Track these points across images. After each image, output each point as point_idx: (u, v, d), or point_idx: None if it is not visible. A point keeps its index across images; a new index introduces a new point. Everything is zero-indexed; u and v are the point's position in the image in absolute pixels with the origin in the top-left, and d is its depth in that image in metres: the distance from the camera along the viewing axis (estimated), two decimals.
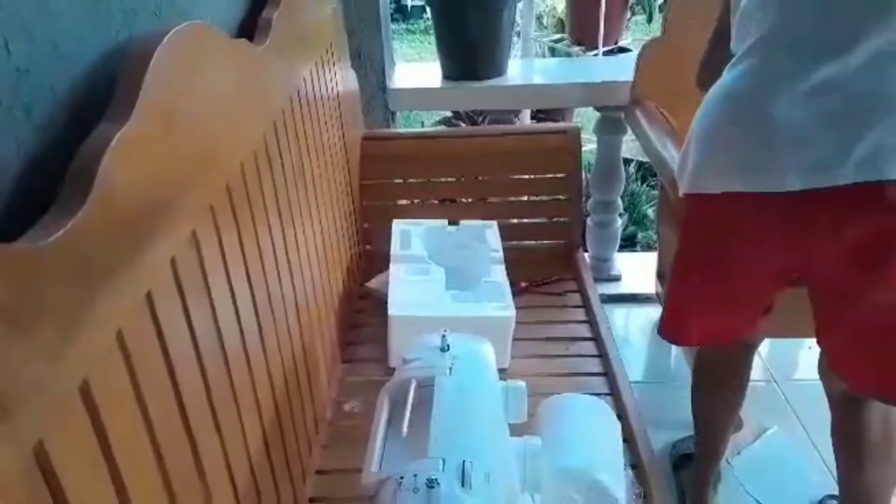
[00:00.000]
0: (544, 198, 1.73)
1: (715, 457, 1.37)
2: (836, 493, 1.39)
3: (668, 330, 1.23)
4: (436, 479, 0.65)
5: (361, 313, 1.48)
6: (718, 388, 1.31)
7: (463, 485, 0.66)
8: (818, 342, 1.09)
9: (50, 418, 0.43)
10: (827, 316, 1.05)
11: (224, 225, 0.76)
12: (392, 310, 1.25)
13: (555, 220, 1.72)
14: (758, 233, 1.03)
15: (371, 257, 1.63)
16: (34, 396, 0.42)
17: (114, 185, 0.52)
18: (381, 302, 1.34)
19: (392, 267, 1.37)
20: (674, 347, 1.94)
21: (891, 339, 0.98)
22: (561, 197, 1.69)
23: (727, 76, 1.05)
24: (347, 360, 1.35)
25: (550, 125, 1.82)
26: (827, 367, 1.12)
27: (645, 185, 2.89)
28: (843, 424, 1.17)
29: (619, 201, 2.15)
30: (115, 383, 0.51)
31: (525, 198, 1.74)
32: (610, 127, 2.01)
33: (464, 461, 0.68)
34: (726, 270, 1.08)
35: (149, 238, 0.58)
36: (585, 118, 2.48)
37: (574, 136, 1.65)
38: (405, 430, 0.73)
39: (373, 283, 1.53)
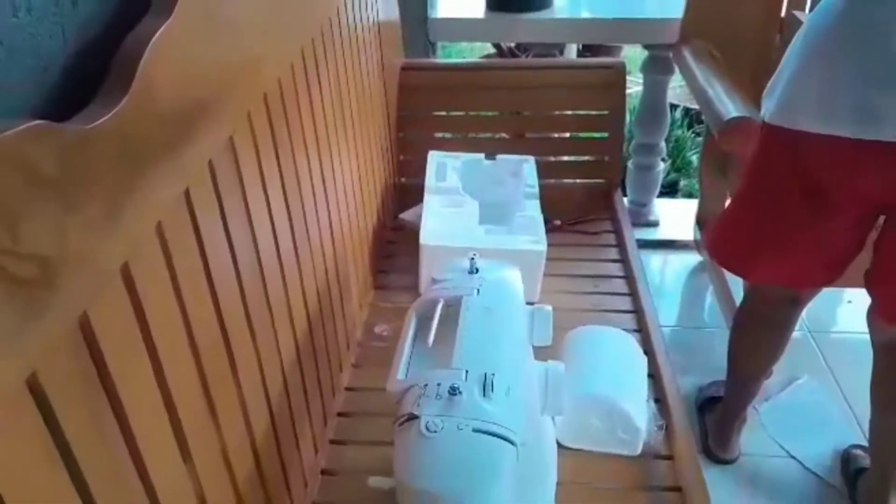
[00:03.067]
0: (585, 135, 1.70)
1: (744, 404, 1.36)
2: (862, 443, 1.39)
3: (724, 256, 1.22)
4: (458, 388, 0.67)
5: (395, 244, 1.50)
6: (761, 339, 1.28)
7: (484, 395, 0.68)
8: (871, 290, 1.08)
9: (94, 292, 0.45)
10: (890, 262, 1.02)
11: (261, 135, 0.77)
12: (424, 239, 1.26)
13: (595, 158, 1.69)
14: (857, 173, 0.97)
15: (406, 190, 1.64)
16: (79, 268, 0.44)
17: (154, 79, 0.53)
18: (414, 233, 1.35)
19: (426, 198, 1.38)
20: (709, 295, 1.93)
21: None
22: (603, 135, 1.66)
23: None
24: (380, 286, 1.38)
25: (595, 60, 1.77)
26: (877, 314, 1.11)
27: (690, 132, 2.82)
28: (886, 371, 1.16)
29: (663, 145, 2.11)
30: (153, 270, 0.53)
31: (566, 135, 1.72)
32: (657, 66, 1.96)
33: (486, 373, 0.70)
34: (818, 214, 1.03)
35: (188, 136, 0.59)
36: (631, 61, 2.41)
37: (620, 72, 1.60)
38: (430, 342, 0.75)
39: (407, 215, 1.54)
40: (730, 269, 1.28)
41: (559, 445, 0.97)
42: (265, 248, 0.78)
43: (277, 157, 0.83)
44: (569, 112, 1.69)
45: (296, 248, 0.89)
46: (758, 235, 1.12)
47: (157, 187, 0.54)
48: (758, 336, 1.28)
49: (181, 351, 0.58)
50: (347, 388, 1.13)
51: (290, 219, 0.87)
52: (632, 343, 1.10)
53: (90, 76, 0.53)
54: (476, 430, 0.64)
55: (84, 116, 0.48)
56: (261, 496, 0.76)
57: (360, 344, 1.23)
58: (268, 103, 0.80)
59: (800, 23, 1.00)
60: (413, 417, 0.66)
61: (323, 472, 0.98)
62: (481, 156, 1.51)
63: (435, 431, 0.64)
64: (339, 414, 1.08)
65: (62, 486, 0.43)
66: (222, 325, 0.66)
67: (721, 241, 1.21)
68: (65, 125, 0.45)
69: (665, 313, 1.91)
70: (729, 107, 1.36)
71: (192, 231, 0.60)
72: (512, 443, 0.65)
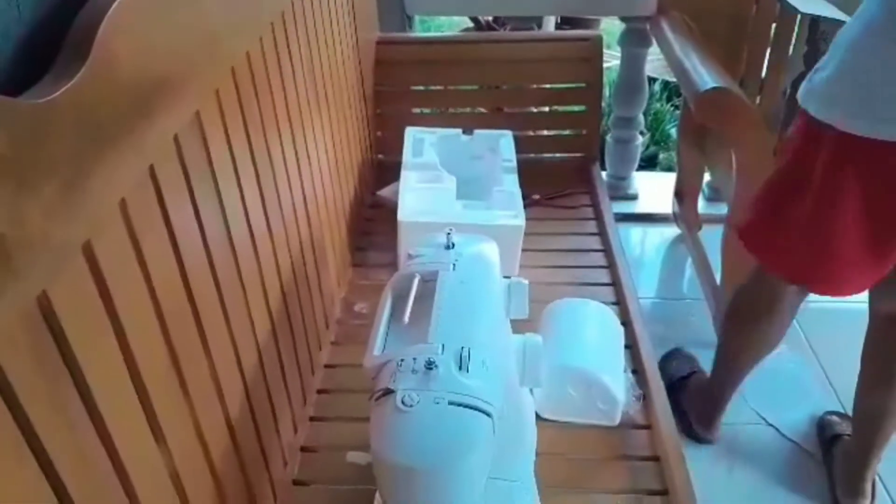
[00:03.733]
0: (563, 109, 1.69)
1: (734, 389, 1.32)
2: (838, 410, 1.42)
3: (767, 259, 1.12)
4: (434, 362, 0.67)
5: (373, 221, 1.49)
6: (762, 328, 1.20)
7: (461, 368, 0.68)
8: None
9: (53, 271, 0.44)
10: None
11: (229, 111, 0.76)
12: (401, 215, 1.25)
13: (573, 132, 1.69)
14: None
15: (385, 167, 1.63)
16: (37, 247, 0.43)
17: (114, 50, 0.52)
18: (392, 210, 1.34)
19: (403, 174, 1.37)
20: (688, 266, 1.94)
21: None
22: (580, 108, 1.65)
23: None
24: (358, 264, 1.37)
25: (572, 32, 1.76)
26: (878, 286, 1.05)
27: (669, 105, 2.82)
28: (882, 341, 1.15)
29: (641, 118, 2.11)
30: (117, 249, 0.52)
31: (544, 109, 1.71)
32: (634, 39, 1.95)
33: (462, 347, 0.70)
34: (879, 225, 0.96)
35: (150, 111, 0.58)
36: (609, 34, 2.40)
37: (596, 44, 1.60)
38: (407, 319, 0.75)
39: (385, 192, 1.53)
40: (753, 253, 1.14)
41: (538, 417, 0.98)
42: (236, 225, 0.77)
43: (247, 134, 0.82)
44: (547, 86, 1.68)
45: (269, 225, 0.88)
46: (806, 241, 1.02)
47: (120, 164, 0.53)
48: (758, 325, 1.20)
49: (149, 329, 0.57)
50: (327, 366, 1.13)
51: (261, 196, 0.86)
52: (609, 315, 1.10)
53: (47, 50, 0.51)
54: (452, 403, 0.64)
55: (38, 90, 0.46)
56: (239, 475, 0.75)
57: (339, 321, 1.22)
58: (236, 78, 0.78)
59: None
60: (389, 392, 0.66)
61: (303, 450, 0.98)
62: (458, 131, 1.50)
63: (411, 405, 0.64)
64: (319, 391, 1.08)
65: (29, 469, 0.42)
66: (192, 302, 0.65)
67: (760, 237, 1.11)
68: (17, 99, 0.44)
69: (645, 285, 1.93)
70: (705, 78, 1.35)
71: (159, 208, 0.59)
72: (488, 415, 0.65)
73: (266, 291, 0.86)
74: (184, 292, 0.63)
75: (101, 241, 0.49)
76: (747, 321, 1.22)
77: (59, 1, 0.55)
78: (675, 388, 1.43)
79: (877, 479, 1.30)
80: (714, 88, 1.31)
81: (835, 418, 1.40)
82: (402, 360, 0.69)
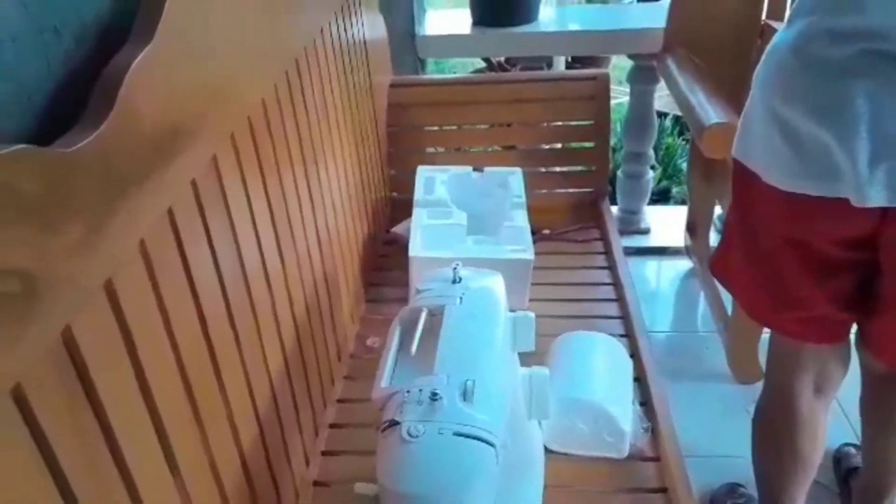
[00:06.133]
0: (572, 145, 1.73)
1: None
2: (853, 441, 1.40)
3: (717, 273, 1.12)
4: (438, 393, 0.69)
5: (387, 257, 1.52)
6: (784, 441, 1.10)
7: (465, 399, 0.70)
8: (857, 321, 1.01)
9: (76, 307, 0.48)
10: (882, 295, 0.93)
11: (245, 154, 0.80)
12: (413, 251, 1.28)
13: (582, 168, 1.72)
14: (822, 221, 0.90)
15: (399, 204, 1.66)
16: (62, 285, 0.46)
17: (135, 103, 0.56)
18: (405, 247, 1.37)
19: (415, 211, 1.40)
20: (701, 300, 1.94)
21: None
22: (589, 145, 1.69)
23: (792, 32, 0.87)
24: (371, 299, 1.40)
25: (579, 72, 1.81)
26: (865, 346, 1.04)
27: (681, 139, 2.85)
28: (878, 399, 1.13)
29: (651, 153, 2.14)
30: (137, 287, 0.56)
31: (554, 146, 1.75)
32: (643, 76, 1.99)
33: (467, 379, 0.72)
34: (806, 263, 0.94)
35: (170, 157, 0.62)
36: (620, 70, 2.44)
37: (603, 83, 1.64)
38: (414, 351, 0.77)
39: (398, 229, 1.57)
40: (719, 279, 1.14)
41: (546, 449, 0.99)
42: (251, 262, 0.80)
43: (262, 175, 0.86)
44: (556, 123, 1.72)
45: (283, 262, 0.92)
46: (755, 278, 1.01)
47: (140, 207, 0.56)
48: (780, 438, 1.10)
49: (166, 364, 0.60)
50: (339, 401, 1.15)
51: (276, 234, 0.90)
52: (617, 347, 1.12)
53: (74, 103, 0.55)
54: (456, 434, 0.66)
55: (66, 140, 0.50)
56: None
57: (352, 356, 1.25)
58: (251, 123, 0.83)
59: (775, 32, 0.97)
60: (395, 423, 0.68)
61: (315, 484, 1.00)
62: (469, 169, 1.54)
63: (416, 436, 0.66)
64: (332, 426, 1.10)
65: (50, 498, 0.45)
66: (208, 339, 0.68)
67: (724, 273, 1.10)
68: (47, 149, 0.48)
69: (659, 319, 1.94)
70: (710, 112, 1.38)
71: (176, 248, 0.63)
72: (492, 445, 0.67)
73: (280, 328, 0.89)
74: (199, 328, 0.66)
75: (121, 279, 0.52)
76: (772, 437, 1.13)
77: (87, 57, 0.59)
78: None
79: None
80: (718, 123, 1.34)
81: (851, 450, 1.39)
82: (408, 392, 0.71)
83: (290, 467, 0.92)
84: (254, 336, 0.81)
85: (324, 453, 1.05)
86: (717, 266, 1.11)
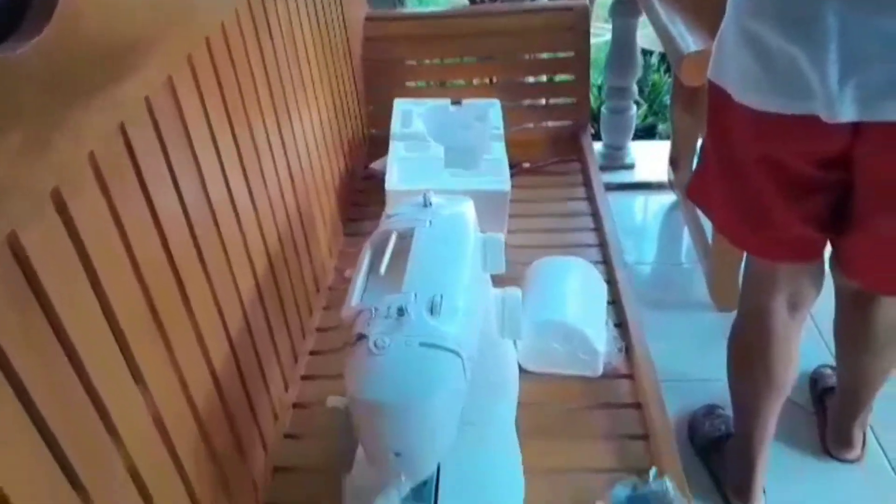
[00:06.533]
0: (553, 78, 1.71)
1: (762, 444, 1.17)
2: (829, 362, 1.43)
3: (693, 197, 1.12)
4: (405, 308, 0.70)
5: (365, 193, 1.52)
6: (758, 358, 1.10)
7: (432, 313, 0.70)
8: (831, 241, 1.01)
9: (22, 215, 0.47)
10: (856, 213, 0.93)
11: (205, 80, 0.79)
12: (389, 184, 1.28)
13: (563, 101, 1.71)
14: (795, 140, 0.89)
15: (377, 141, 1.65)
16: (5, 191, 0.46)
17: (79, 10, 0.54)
18: (383, 182, 1.37)
19: (392, 144, 1.39)
20: (685, 233, 1.95)
21: None
22: (569, 77, 1.67)
23: None
24: (350, 234, 1.40)
25: (557, 2, 1.77)
26: (838, 266, 1.04)
27: (667, 76, 2.81)
28: (851, 318, 1.14)
29: (635, 87, 2.12)
30: (88, 199, 0.55)
31: (536, 78, 1.73)
32: (624, 9, 1.96)
33: (434, 294, 0.72)
34: (779, 182, 0.93)
35: (120, 71, 0.61)
36: (602, 6, 2.40)
37: (582, 13, 1.61)
38: (383, 271, 0.78)
39: (376, 165, 1.56)
40: (697, 204, 1.14)
41: (522, 370, 1.00)
42: (216, 191, 0.80)
43: (225, 103, 0.85)
44: (537, 56, 1.70)
45: (251, 193, 0.91)
46: (731, 199, 1.01)
47: (89, 119, 0.56)
48: (754, 357, 1.11)
49: (125, 279, 0.60)
50: (319, 329, 1.16)
51: (242, 166, 0.89)
52: (591, 271, 1.13)
53: (15, 10, 0.54)
54: (422, 344, 0.67)
55: (6, 46, 0.49)
56: (225, 425, 0.79)
57: (330, 288, 1.26)
58: (210, 47, 0.81)
59: None
60: (362, 337, 0.69)
61: (294, 406, 1.02)
62: (447, 101, 1.52)
63: (383, 348, 0.67)
64: (312, 353, 1.12)
65: (8, 405, 0.46)
66: (171, 258, 0.68)
67: (700, 196, 1.09)
68: None
69: (643, 251, 1.95)
70: (689, 41, 1.36)
71: (131, 165, 0.62)
72: (458, 355, 0.68)
73: (251, 256, 0.89)
74: (161, 247, 0.66)
75: (69, 188, 0.52)
76: (746, 357, 1.13)
77: None
78: (709, 451, 1.31)
79: (868, 429, 1.32)
80: (697, 51, 1.32)
81: (827, 371, 1.41)
82: (375, 309, 0.72)
83: (268, 391, 0.94)
84: (222, 262, 0.81)
85: (303, 378, 1.07)
86: (694, 190, 1.11)
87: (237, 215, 0.86)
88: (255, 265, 0.91)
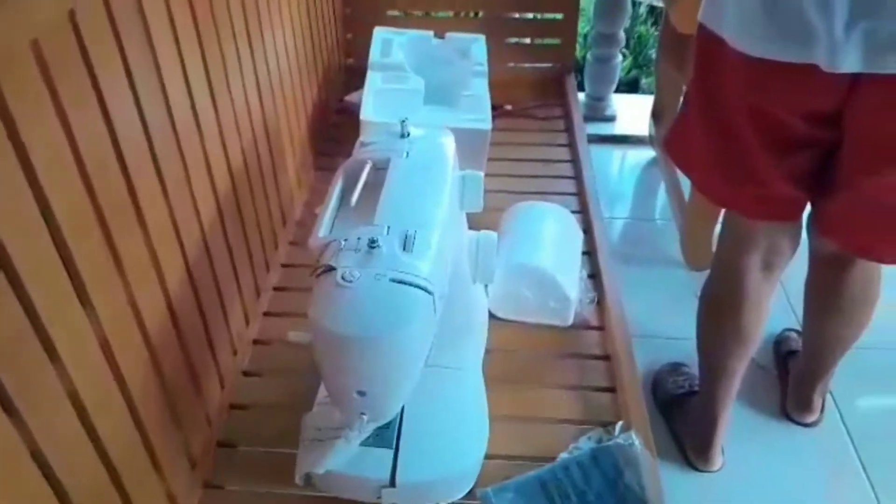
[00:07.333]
0: (540, 17, 1.64)
1: (723, 402, 1.16)
2: (795, 327, 1.44)
3: (686, 167, 1.08)
4: (377, 241, 0.65)
5: (339, 126, 1.45)
6: (729, 317, 1.09)
7: (405, 248, 0.66)
8: (811, 202, 0.98)
9: None
10: (842, 172, 0.90)
11: None
12: (364, 115, 1.21)
13: (548, 41, 1.64)
14: (790, 91, 0.86)
15: (355, 71, 1.57)
16: None
17: None
18: (359, 116, 1.30)
19: (369, 74, 1.32)
20: (661, 190, 1.93)
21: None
22: (557, 16, 1.60)
23: None
24: (322, 168, 1.34)
25: None
26: (816, 226, 1.02)
27: (653, 28, 2.75)
28: (823, 281, 1.13)
29: (622, 35, 2.06)
30: (29, 84, 0.49)
31: (517, 15, 1.66)
32: None
33: (408, 229, 0.68)
34: (768, 137, 0.90)
35: None
36: None
37: None
38: (354, 202, 0.73)
39: (353, 97, 1.48)
40: (675, 161, 1.10)
41: (492, 316, 0.98)
42: (177, 101, 0.74)
43: (192, 10, 0.78)
44: None
45: (216, 108, 0.85)
46: (713, 154, 0.97)
47: (32, 2, 0.49)
48: (725, 314, 1.09)
49: (70, 184, 0.54)
50: (284, 265, 1.11)
51: (208, 78, 0.82)
52: (569, 218, 1.09)
53: None
54: (393, 280, 0.63)
55: None
56: (179, 356, 0.74)
57: (298, 223, 1.20)
58: None
59: None
60: (330, 269, 0.65)
61: (255, 342, 0.98)
62: (430, 33, 1.45)
63: (351, 281, 0.63)
64: (276, 289, 1.07)
65: None
66: (124, 167, 0.62)
67: (680, 150, 1.05)
68: None
69: (619, 206, 1.92)
70: None
71: (82, 60, 0.56)
72: (429, 292, 0.64)
73: (212, 175, 0.84)
74: (113, 155, 0.60)
75: (9, 77, 0.46)
76: (717, 313, 1.12)
77: None
78: (671, 407, 1.30)
79: (829, 395, 1.33)
80: None
81: (792, 335, 1.42)
82: (345, 240, 0.67)
83: (228, 325, 0.89)
84: (180, 177, 0.75)
85: (265, 314, 1.02)
86: (673, 142, 1.06)
87: (199, 129, 0.80)
88: (216, 186, 0.85)
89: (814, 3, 0.78)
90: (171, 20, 0.72)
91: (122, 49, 0.62)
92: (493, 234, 0.85)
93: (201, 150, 0.81)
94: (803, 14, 0.79)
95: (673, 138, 1.07)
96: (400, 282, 0.63)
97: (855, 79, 0.80)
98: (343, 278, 0.63)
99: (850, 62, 0.78)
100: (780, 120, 0.88)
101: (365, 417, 0.67)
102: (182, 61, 0.75)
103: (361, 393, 0.65)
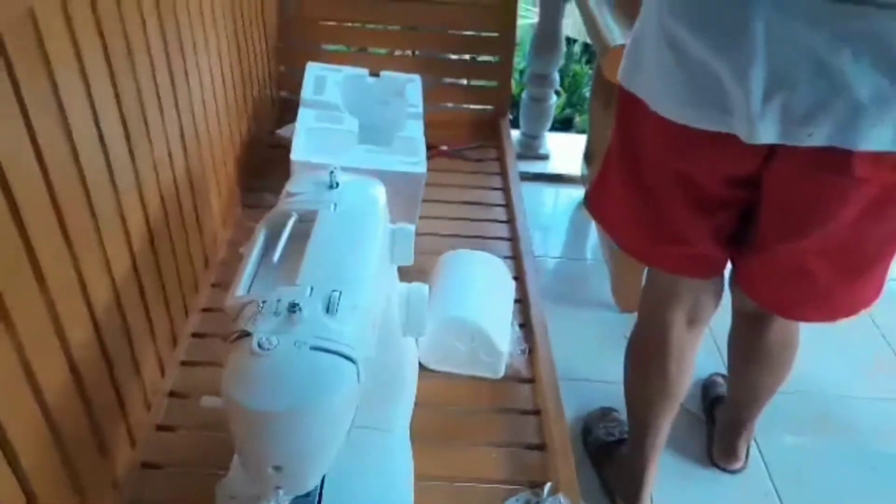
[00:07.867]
0: (477, 58, 1.65)
1: (652, 453, 1.16)
2: (722, 371, 1.46)
3: (593, 209, 1.08)
4: (298, 304, 0.62)
5: (269, 161, 1.41)
6: (653, 372, 1.09)
7: (328, 312, 0.63)
8: (731, 260, 0.99)
9: None
10: (759, 234, 0.92)
11: (77, 14, 0.67)
12: (295, 154, 1.18)
13: (485, 83, 1.65)
14: (709, 157, 0.86)
15: (288, 105, 1.54)
16: None
17: None
18: (289, 150, 1.27)
19: (301, 111, 1.29)
20: (592, 229, 1.95)
21: (811, 278, 0.91)
22: (493, 59, 1.61)
23: None
24: (249, 205, 1.30)
25: None
26: (737, 283, 1.02)
27: (588, 67, 2.81)
28: (746, 335, 1.15)
29: (557, 76, 2.09)
30: None
31: (460, 56, 1.66)
32: None
33: (333, 290, 0.65)
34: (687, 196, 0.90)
35: None
36: None
37: None
38: (276, 258, 0.69)
39: (284, 131, 1.45)
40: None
41: (423, 367, 0.95)
42: (85, 147, 0.69)
43: (104, 41, 0.73)
44: (462, 33, 1.63)
45: (130, 146, 0.80)
46: (635, 212, 0.96)
47: None
48: (650, 366, 1.09)
49: None
50: (204, 309, 1.06)
51: (122, 118, 0.78)
52: (501, 267, 1.08)
53: None
54: (314, 348, 0.60)
55: None
56: (81, 415, 0.69)
57: (222, 263, 1.15)
58: None
59: None
60: (246, 334, 0.61)
61: (171, 395, 0.92)
62: (365, 71, 1.43)
63: (268, 349, 0.59)
64: (194, 335, 1.02)
65: None
66: (19, 222, 0.57)
67: (601, 209, 1.05)
68: None
69: (551, 245, 1.93)
70: (615, 33, 1.33)
71: None
72: (353, 361, 0.61)
73: (125, 219, 0.78)
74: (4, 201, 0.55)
75: None
76: (642, 364, 1.11)
77: None
78: (601, 455, 1.28)
79: (753, 443, 1.35)
80: (622, 44, 1.29)
81: (718, 380, 1.44)
82: (263, 302, 0.63)
83: (140, 377, 0.84)
84: (89, 228, 0.70)
85: (183, 363, 0.97)
86: (594, 200, 1.06)
87: (112, 176, 0.75)
88: (129, 231, 0.80)
89: (731, 74, 0.78)
90: (78, 54, 0.67)
91: (17, 89, 0.57)
92: (425, 287, 0.83)
93: (114, 198, 0.76)
94: (721, 84, 0.79)
95: (594, 196, 1.06)
96: (321, 349, 0.60)
97: (772, 147, 0.81)
98: (259, 345, 0.59)
99: (767, 134, 0.79)
100: (702, 183, 0.88)
101: (281, 492, 0.63)
102: (90, 98, 0.70)
103: (277, 468, 0.61)
